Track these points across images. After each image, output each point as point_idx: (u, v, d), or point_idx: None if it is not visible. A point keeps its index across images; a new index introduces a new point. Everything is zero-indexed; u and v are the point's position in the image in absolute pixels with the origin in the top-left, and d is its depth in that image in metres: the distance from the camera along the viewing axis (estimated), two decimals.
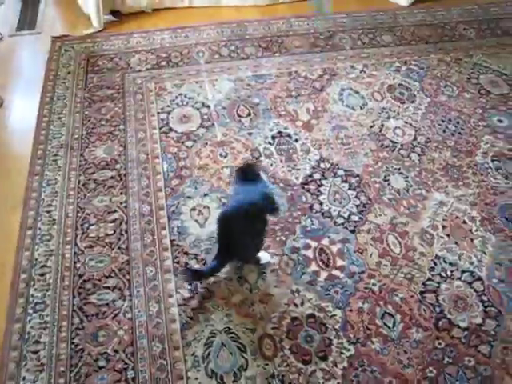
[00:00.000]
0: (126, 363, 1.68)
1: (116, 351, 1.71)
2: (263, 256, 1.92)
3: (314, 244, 2.01)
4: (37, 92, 2.60)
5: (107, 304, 1.83)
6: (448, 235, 2.04)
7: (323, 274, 1.93)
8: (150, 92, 2.63)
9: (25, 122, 2.47)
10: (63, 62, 2.79)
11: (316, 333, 1.77)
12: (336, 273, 1.93)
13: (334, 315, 1.81)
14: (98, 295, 1.85)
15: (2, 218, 2.10)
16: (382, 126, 2.48)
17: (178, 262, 1.95)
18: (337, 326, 1.78)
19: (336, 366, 1.69)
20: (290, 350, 1.72)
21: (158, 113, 2.52)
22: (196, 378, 1.66)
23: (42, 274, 1.92)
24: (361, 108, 2.57)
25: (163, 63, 2.80)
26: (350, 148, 2.37)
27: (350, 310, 1.82)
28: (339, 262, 1.96)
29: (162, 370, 1.67)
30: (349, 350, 1.73)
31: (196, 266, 1.93)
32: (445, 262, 1.96)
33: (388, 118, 2.52)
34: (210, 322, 1.79)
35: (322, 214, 2.11)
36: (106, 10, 3.02)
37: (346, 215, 2.11)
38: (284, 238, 2.03)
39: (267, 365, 1.69)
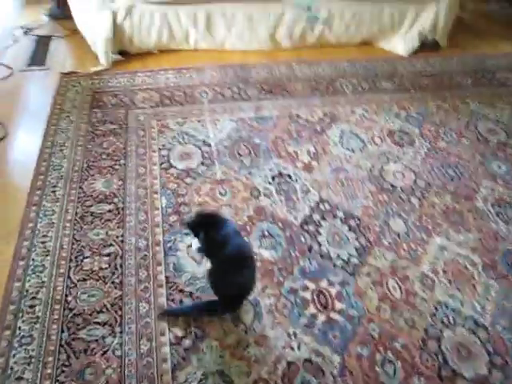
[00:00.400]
0: None
1: None
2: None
3: (312, 286, 1.91)
4: (41, 125, 2.55)
5: (96, 340, 1.71)
6: (450, 280, 1.94)
7: (321, 317, 1.82)
8: (152, 129, 2.58)
9: (27, 153, 2.41)
10: (69, 97, 2.75)
11: (313, 378, 1.65)
12: (335, 316, 1.82)
13: (332, 360, 1.69)
14: (87, 330, 1.74)
15: None
16: (382, 169, 2.42)
17: (172, 300, 1.83)
18: (335, 372, 1.66)
19: None
20: None
21: (159, 149, 2.46)
22: None
23: (31, 306, 1.80)
24: (360, 151, 2.52)
25: (166, 101, 2.77)
26: (350, 190, 2.31)
27: (349, 356, 1.70)
28: (338, 305, 1.85)
29: None
30: None
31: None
32: (447, 307, 1.85)
33: (387, 161, 2.47)
34: (203, 364, 1.66)
35: (321, 255, 2.02)
36: (114, 50, 3.01)
37: (345, 257, 2.02)
38: (282, 279, 1.93)
39: None
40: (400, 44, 3.25)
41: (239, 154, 2.46)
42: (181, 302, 1.83)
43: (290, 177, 2.35)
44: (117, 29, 2.92)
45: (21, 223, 2.08)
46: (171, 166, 2.37)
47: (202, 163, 2.40)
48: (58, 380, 1.60)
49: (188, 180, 2.30)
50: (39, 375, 1.61)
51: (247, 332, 1.76)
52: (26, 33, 3.27)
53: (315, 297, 1.88)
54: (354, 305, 1.85)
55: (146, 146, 2.47)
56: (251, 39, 3.15)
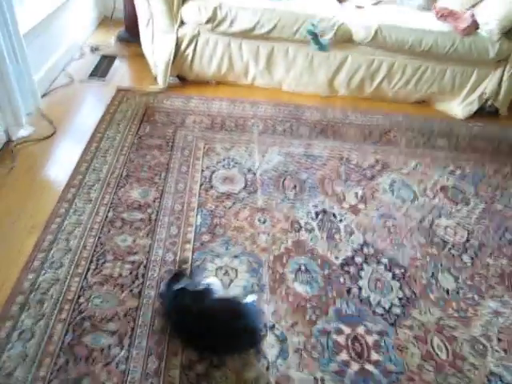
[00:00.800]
0: None
1: None
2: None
3: (347, 330, 1.66)
4: (90, 130, 2.46)
5: (102, 350, 1.49)
6: (505, 350, 1.65)
7: (354, 366, 1.55)
8: (198, 150, 2.44)
9: (70, 153, 2.31)
10: (121, 109, 2.68)
11: None
12: (369, 367, 1.56)
13: None
14: (93, 337, 1.53)
15: (19, 236, 1.86)
16: (433, 222, 2.19)
17: None
18: None
19: None
20: None
21: (203, 170, 2.31)
22: None
23: (39, 301, 1.61)
24: (411, 202, 2.30)
25: (217, 127, 2.65)
26: (397, 238, 2.07)
27: None
28: (374, 356, 1.59)
29: None
30: None
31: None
32: (501, 381, 1.55)
33: (439, 216, 2.23)
34: None
35: (360, 300, 1.77)
36: (173, 74, 2.96)
37: (386, 306, 1.76)
38: (314, 318, 1.68)
39: None
40: (458, 106, 3.08)
41: (284, 186, 2.28)
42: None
43: (334, 216, 2.15)
44: (179, 53, 2.87)
45: (48, 217, 1.93)
46: (212, 187, 2.21)
47: (245, 189, 2.22)
48: None
49: (227, 203, 2.13)
50: (31, 376, 1.39)
51: (269, 369, 1.51)
52: (92, 50, 3.28)
53: (349, 343, 1.62)
54: (392, 359, 1.58)
55: (190, 165, 2.33)
56: (309, 82, 3.04)
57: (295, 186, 2.29)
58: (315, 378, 1.50)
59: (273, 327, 1.64)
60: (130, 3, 3.01)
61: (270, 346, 1.58)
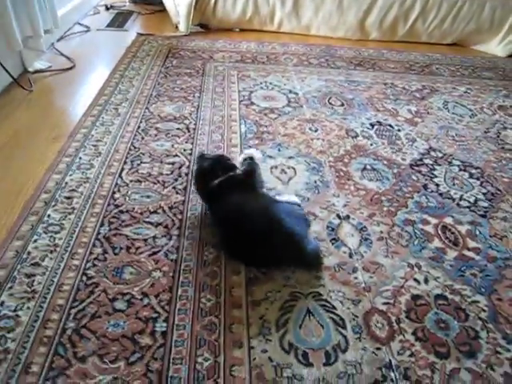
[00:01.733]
0: (156, 311, 0.99)
1: (144, 294, 1.02)
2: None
3: (433, 221, 1.34)
4: (111, 65, 2.19)
5: (145, 240, 1.19)
6: None
7: (451, 253, 1.23)
8: (231, 76, 2.16)
9: (92, 82, 2.05)
10: (144, 49, 2.41)
11: (452, 319, 1.03)
12: (469, 254, 1.23)
13: (476, 301, 1.08)
14: (134, 228, 1.22)
15: (41, 144, 1.58)
16: (499, 133, 1.88)
17: None
18: (483, 316, 1.05)
19: (492, 369, 0.93)
20: (415, 336, 1.00)
21: (239, 91, 2.02)
22: (264, 351, 0.93)
23: (68, 197, 1.31)
24: (470, 117, 2.00)
25: (248, 61, 2.37)
26: (465, 145, 1.77)
27: (499, 299, 1.09)
28: (472, 244, 1.27)
29: (210, 330, 0.97)
30: (508, 349, 0.97)
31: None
32: None
33: (504, 128, 1.93)
34: (290, 282, 1.09)
35: (440, 194, 1.47)
36: (195, 22, 2.71)
37: (471, 200, 1.44)
38: (393, 209, 1.37)
39: (379, 349, 0.95)
40: (497, 46, 2.81)
41: (330, 103, 1.99)
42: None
43: (391, 126, 1.85)
44: None
45: (73, 129, 1.64)
46: (253, 103, 1.92)
47: (288, 105, 1.94)
48: (85, 273, 1.07)
49: (272, 115, 1.84)
50: (62, 265, 1.08)
51: (352, 256, 1.19)
52: (107, 8, 3.04)
53: (440, 232, 1.30)
54: (493, 246, 1.26)
55: (225, 88, 2.05)
56: (338, 25, 2.79)
57: (342, 104, 2.00)
58: (409, 264, 1.18)
59: (347, 217, 1.32)
60: None
61: (348, 234, 1.26)
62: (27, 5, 1.82)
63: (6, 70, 1.81)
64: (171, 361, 0.90)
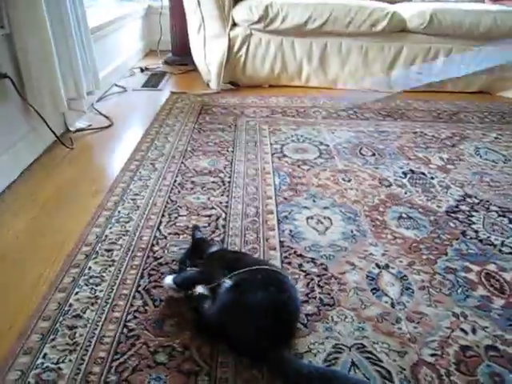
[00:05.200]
0: (198, 365, 0.96)
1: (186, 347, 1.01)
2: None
3: (476, 268, 1.30)
4: (147, 123, 2.28)
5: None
6: None
7: (498, 301, 1.18)
8: (263, 130, 2.21)
9: (129, 139, 2.12)
10: (178, 106, 2.50)
11: (507, 372, 0.98)
12: None
13: None
14: None
15: (82, 199, 1.62)
16: None
17: (289, 263, 1.28)
18: None
19: None
20: None
21: (271, 144, 2.06)
22: None
23: (108, 250, 1.32)
24: (504, 162, 1.98)
25: (278, 115, 2.43)
26: (500, 190, 1.74)
27: None
28: None
29: None
30: None
31: None
32: None
33: None
34: (334, 334, 1.06)
35: (480, 240, 1.43)
36: (226, 80, 2.81)
37: None
38: (433, 257, 1.34)
39: None
40: None
41: (362, 153, 2.01)
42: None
43: (424, 174, 1.84)
44: (231, 56, 2.74)
45: (112, 183, 1.69)
46: (285, 155, 1.96)
47: (320, 157, 1.96)
48: (126, 326, 1.05)
49: (305, 167, 1.86)
50: (103, 317, 1.08)
51: (394, 306, 1.15)
52: (142, 70, 3.20)
53: (483, 279, 1.26)
54: None
55: (257, 142, 2.09)
56: (364, 77, 2.85)
57: (374, 154, 2.01)
58: (454, 313, 1.13)
59: (387, 266, 1.29)
60: (178, 32, 3.01)
61: (389, 284, 1.23)
62: (73, 69, 1.92)
63: (52, 130, 1.90)
64: None
